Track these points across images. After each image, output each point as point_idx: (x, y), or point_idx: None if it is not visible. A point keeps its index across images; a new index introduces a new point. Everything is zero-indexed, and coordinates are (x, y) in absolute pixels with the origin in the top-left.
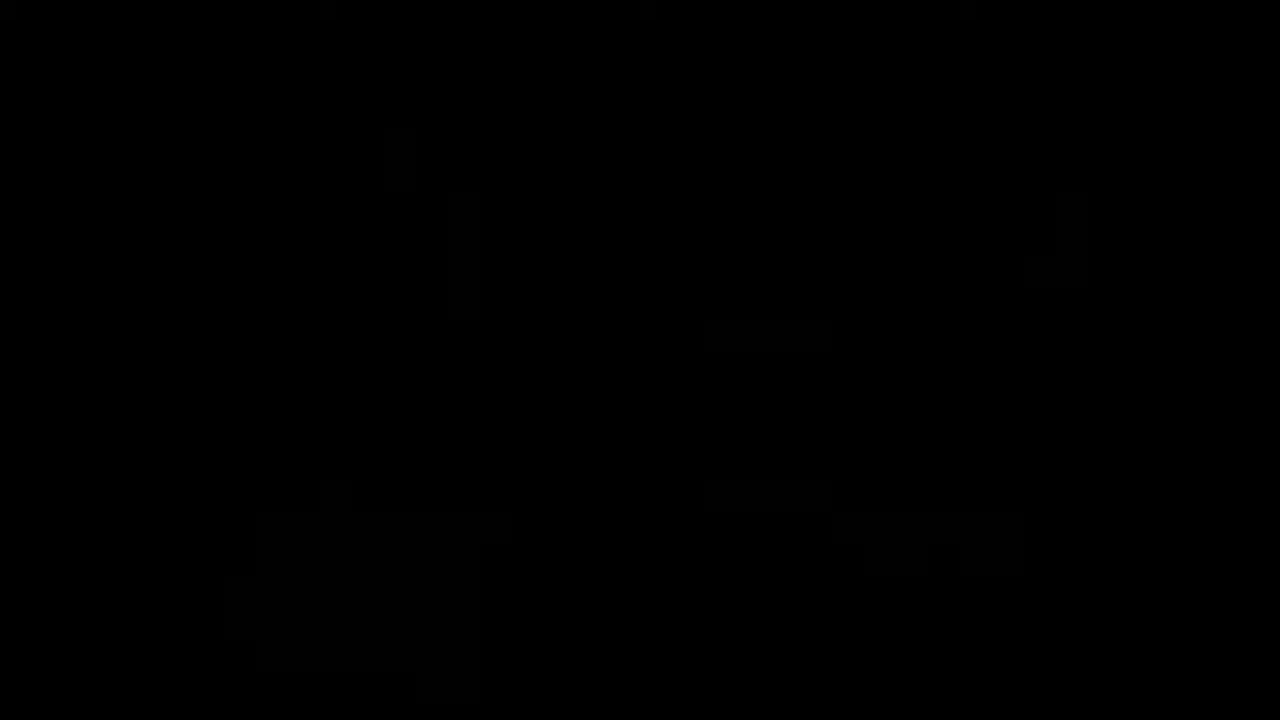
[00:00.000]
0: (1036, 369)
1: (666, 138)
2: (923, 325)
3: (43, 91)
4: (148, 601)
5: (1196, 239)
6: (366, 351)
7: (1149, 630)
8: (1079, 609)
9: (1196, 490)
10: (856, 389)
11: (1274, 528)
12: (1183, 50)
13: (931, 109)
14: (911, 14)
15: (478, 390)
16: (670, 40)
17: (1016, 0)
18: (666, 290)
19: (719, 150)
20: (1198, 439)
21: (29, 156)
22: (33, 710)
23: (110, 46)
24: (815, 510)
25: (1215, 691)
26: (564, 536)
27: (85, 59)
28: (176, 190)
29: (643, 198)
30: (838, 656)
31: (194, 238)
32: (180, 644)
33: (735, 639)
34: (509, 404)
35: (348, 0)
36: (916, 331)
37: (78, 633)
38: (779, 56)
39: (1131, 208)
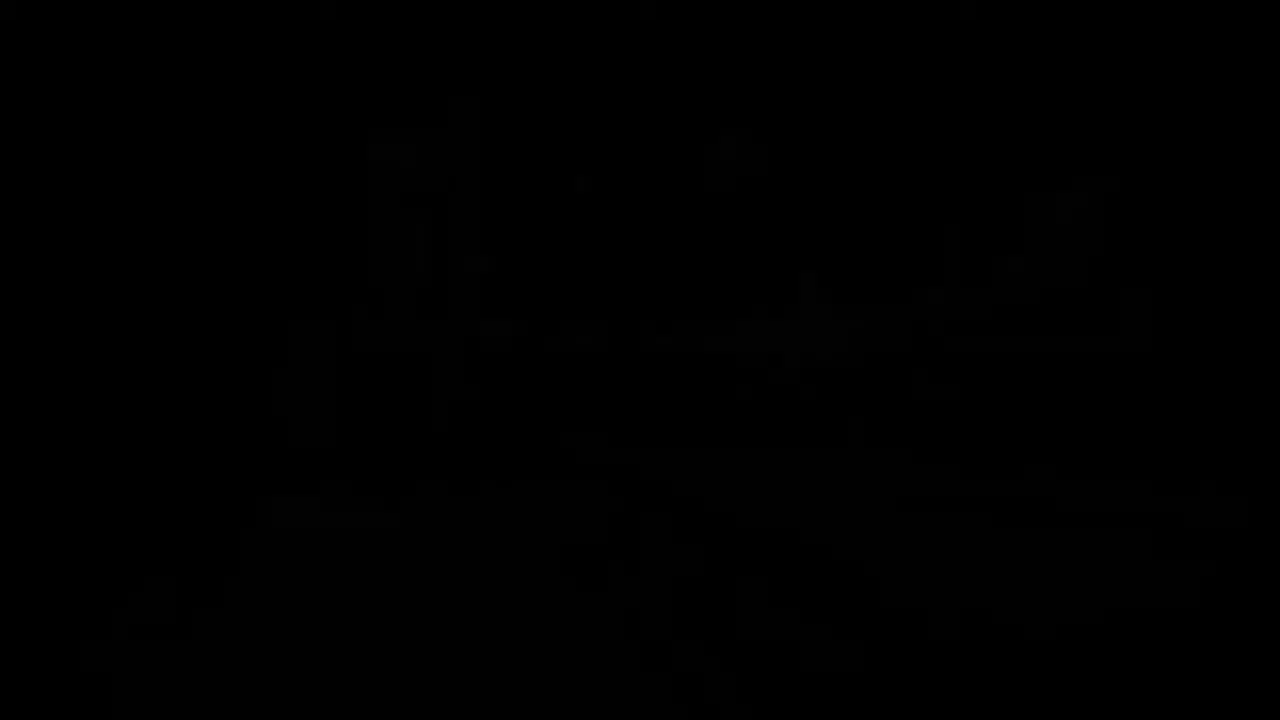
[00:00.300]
0: (1036, 368)
1: (667, 138)
2: (923, 325)
3: (43, 91)
4: (150, 600)
5: (1196, 239)
6: (366, 351)
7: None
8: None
9: (1196, 487)
10: (857, 389)
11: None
12: (1181, 53)
13: (932, 110)
14: (911, 15)
15: (477, 390)
16: (670, 41)
17: (1016, 1)
18: (667, 290)
19: (719, 150)
20: (1198, 437)
21: (31, 155)
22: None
23: (110, 46)
24: (817, 510)
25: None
26: (565, 536)
27: (86, 59)
28: (175, 191)
29: (643, 198)
30: (839, 654)
31: (192, 239)
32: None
33: (735, 636)
34: (509, 404)
35: (348, 0)
36: (917, 331)
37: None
38: (780, 58)
39: (1131, 208)
